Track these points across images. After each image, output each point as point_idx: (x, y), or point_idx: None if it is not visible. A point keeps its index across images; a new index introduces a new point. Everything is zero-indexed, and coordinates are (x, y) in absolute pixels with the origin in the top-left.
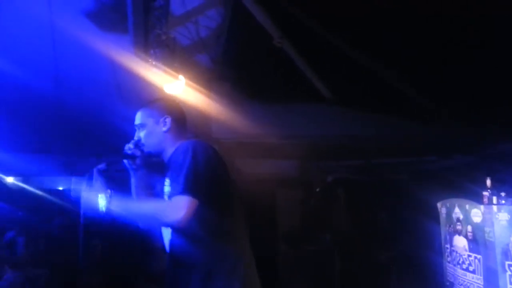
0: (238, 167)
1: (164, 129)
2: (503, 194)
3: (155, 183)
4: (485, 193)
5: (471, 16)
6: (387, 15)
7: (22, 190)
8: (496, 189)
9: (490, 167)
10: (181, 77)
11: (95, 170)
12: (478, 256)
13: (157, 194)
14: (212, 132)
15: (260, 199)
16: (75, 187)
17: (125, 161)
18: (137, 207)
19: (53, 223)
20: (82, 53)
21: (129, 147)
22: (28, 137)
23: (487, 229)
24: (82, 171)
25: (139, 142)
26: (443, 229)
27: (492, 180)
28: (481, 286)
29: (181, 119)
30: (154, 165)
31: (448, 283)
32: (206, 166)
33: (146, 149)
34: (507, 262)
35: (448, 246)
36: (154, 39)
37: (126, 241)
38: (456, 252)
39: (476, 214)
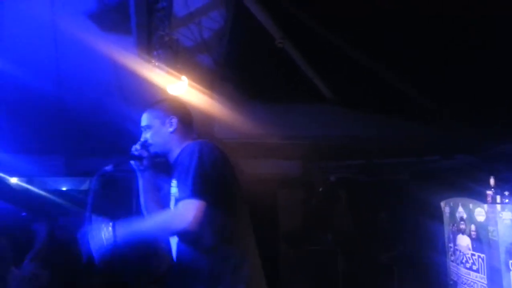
0: (240, 167)
1: (171, 129)
2: (506, 193)
3: (162, 184)
4: (489, 192)
5: (472, 17)
6: (388, 16)
7: (25, 190)
8: (499, 188)
9: (493, 167)
10: (183, 78)
11: (98, 175)
12: (482, 255)
13: (163, 195)
14: (215, 132)
15: (261, 199)
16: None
17: (132, 162)
18: (143, 227)
19: (56, 223)
20: (84, 54)
21: (135, 148)
22: (29, 137)
23: (490, 228)
24: (84, 172)
25: (146, 143)
26: (447, 228)
27: (495, 179)
28: (485, 285)
29: (187, 119)
30: (160, 166)
31: (451, 282)
32: (213, 168)
33: (152, 150)
34: (510, 261)
35: (451, 245)
36: (157, 40)
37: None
38: (460, 251)
39: (480, 213)
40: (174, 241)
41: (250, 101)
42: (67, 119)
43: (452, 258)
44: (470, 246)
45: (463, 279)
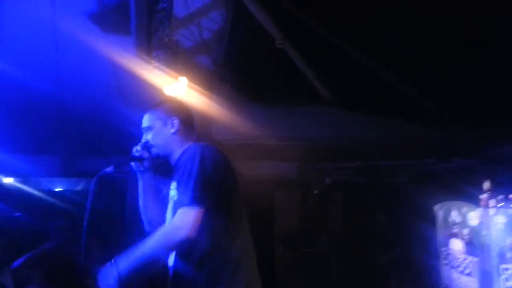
0: (238, 168)
1: (172, 131)
2: (500, 197)
3: (162, 185)
4: (482, 196)
5: (472, 17)
6: (388, 16)
7: (21, 191)
8: (494, 192)
9: (487, 170)
10: (183, 79)
11: (98, 176)
12: (475, 259)
13: (162, 197)
14: (213, 133)
15: (258, 200)
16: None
17: (132, 163)
18: (144, 250)
19: (52, 224)
20: (84, 54)
21: (136, 149)
22: (29, 138)
23: (484, 232)
24: (81, 172)
25: (147, 144)
26: (440, 232)
27: (491, 183)
28: None
29: (188, 120)
30: (160, 168)
31: (443, 286)
32: (214, 172)
33: (154, 152)
34: (502, 266)
35: (444, 249)
36: (156, 41)
37: (123, 241)
38: (453, 255)
39: (473, 217)
40: None
41: (249, 102)
42: (66, 119)
43: (445, 262)
44: (463, 250)
45: (455, 283)
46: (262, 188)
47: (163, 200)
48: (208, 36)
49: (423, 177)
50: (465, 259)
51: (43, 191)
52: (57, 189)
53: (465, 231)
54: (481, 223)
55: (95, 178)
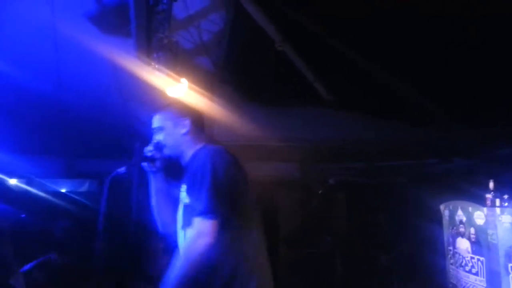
0: None
1: (183, 131)
2: (506, 196)
3: (173, 186)
4: (488, 196)
5: (472, 17)
6: (388, 16)
7: (25, 192)
8: (499, 191)
9: (493, 170)
10: (183, 81)
11: (111, 176)
12: (481, 258)
13: (173, 198)
14: (214, 135)
15: (260, 201)
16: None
17: (144, 164)
18: (177, 274)
19: (56, 225)
20: (84, 56)
21: (148, 149)
22: (30, 139)
23: (490, 231)
24: (84, 173)
25: (159, 144)
26: (446, 232)
27: (495, 183)
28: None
29: (199, 121)
30: (171, 168)
31: (451, 285)
32: (226, 177)
33: (165, 152)
34: (510, 264)
35: (451, 248)
36: (156, 42)
37: (125, 242)
38: (459, 254)
39: (479, 216)
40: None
41: (249, 104)
42: (67, 121)
43: (452, 261)
44: (469, 249)
45: (463, 282)
46: (263, 189)
47: (174, 201)
48: (208, 38)
49: (424, 177)
50: (471, 258)
51: (47, 192)
52: (61, 190)
53: (471, 230)
54: (487, 222)
55: (107, 179)
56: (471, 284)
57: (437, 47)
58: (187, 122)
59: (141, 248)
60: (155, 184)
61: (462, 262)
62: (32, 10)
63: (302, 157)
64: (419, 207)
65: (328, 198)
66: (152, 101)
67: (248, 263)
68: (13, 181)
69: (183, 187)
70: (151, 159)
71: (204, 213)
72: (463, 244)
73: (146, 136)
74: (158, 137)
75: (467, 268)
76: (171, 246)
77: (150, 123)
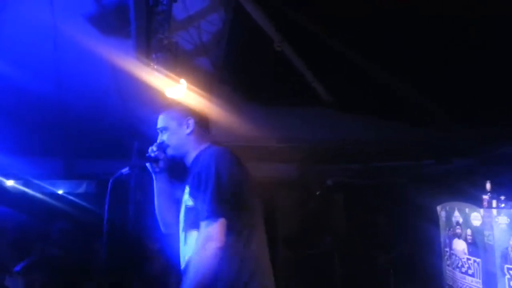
0: None
1: (187, 131)
2: (502, 197)
3: (176, 187)
4: (485, 197)
5: (472, 17)
6: (388, 16)
7: (22, 193)
8: (495, 192)
9: (490, 171)
10: (182, 81)
11: (115, 177)
12: (478, 260)
13: (176, 199)
14: (212, 135)
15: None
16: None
17: (147, 164)
18: (193, 282)
19: (53, 226)
20: (84, 56)
21: (152, 149)
22: (28, 139)
23: (486, 232)
24: (83, 174)
25: (163, 144)
26: (443, 233)
27: (491, 184)
28: None
29: (203, 121)
30: (175, 169)
31: (447, 286)
32: (231, 179)
33: (169, 152)
34: (506, 266)
35: (447, 249)
36: (156, 43)
37: (123, 245)
38: (456, 256)
39: (476, 217)
40: (183, 250)
41: (248, 104)
42: (66, 121)
43: (448, 262)
44: (466, 250)
45: (459, 284)
46: (263, 189)
47: (177, 202)
48: (207, 38)
49: (423, 178)
50: (468, 260)
51: (45, 193)
52: (58, 192)
53: (468, 232)
54: (483, 224)
55: (111, 180)
56: (467, 286)
57: (437, 47)
58: (191, 122)
59: (138, 248)
60: (158, 185)
61: (458, 263)
62: (32, 11)
63: (301, 157)
64: (418, 207)
65: (327, 199)
66: (151, 102)
67: (251, 264)
68: (10, 183)
69: (186, 189)
70: (155, 160)
71: (210, 216)
72: (459, 245)
73: (145, 136)
74: (162, 137)
75: (464, 270)
76: (166, 247)
77: (152, 123)
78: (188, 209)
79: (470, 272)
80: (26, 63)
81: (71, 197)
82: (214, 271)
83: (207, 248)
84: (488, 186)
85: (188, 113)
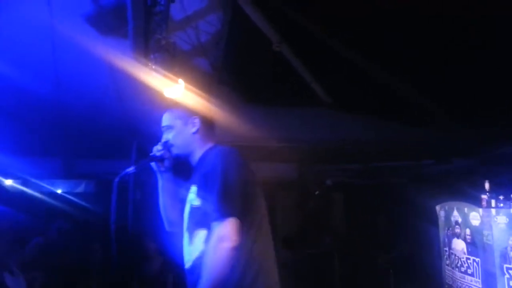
0: None
1: (193, 130)
2: (501, 197)
3: (181, 186)
4: (484, 197)
5: (472, 17)
6: (388, 16)
7: (21, 192)
8: (494, 192)
9: (489, 171)
10: (180, 81)
11: (120, 176)
12: (477, 259)
13: (181, 199)
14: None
15: None
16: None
17: (152, 163)
18: (209, 283)
19: (52, 226)
20: (82, 56)
21: (157, 149)
22: (27, 139)
23: (485, 232)
24: (81, 174)
25: (168, 143)
26: (442, 232)
27: (491, 184)
28: None
29: (209, 120)
30: (179, 168)
31: (446, 286)
32: (239, 179)
33: (174, 151)
34: (505, 265)
35: (446, 249)
36: (154, 43)
37: (122, 245)
38: (455, 255)
39: (475, 217)
40: (188, 249)
41: (247, 105)
42: (65, 122)
43: (447, 262)
44: (465, 250)
45: (458, 283)
46: (262, 189)
47: (182, 201)
48: (206, 39)
49: (423, 178)
50: (467, 259)
51: (44, 193)
52: (57, 191)
53: (467, 231)
54: (482, 223)
55: (116, 179)
56: (466, 285)
57: (437, 47)
58: (197, 121)
59: (138, 248)
60: (163, 183)
61: (457, 263)
62: (30, 11)
63: (300, 157)
64: (418, 207)
65: (327, 199)
66: (149, 102)
67: (256, 264)
68: (8, 182)
69: (193, 188)
70: (160, 159)
71: (221, 216)
72: (458, 245)
73: (143, 136)
74: (167, 136)
75: (463, 269)
76: (166, 247)
77: (150, 123)
78: (194, 209)
79: (469, 271)
80: (25, 63)
81: (70, 197)
82: (227, 272)
83: (220, 248)
84: (487, 186)
85: (193, 112)
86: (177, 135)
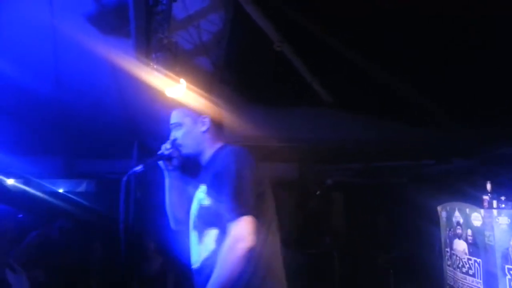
0: None
1: (203, 129)
2: (503, 198)
3: (188, 184)
4: (485, 197)
5: (472, 17)
6: (388, 16)
7: (23, 192)
8: (496, 193)
9: (490, 171)
10: (182, 81)
11: (128, 175)
12: (478, 260)
13: (189, 196)
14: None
15: None
16: None
17: (161, 162)
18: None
19: (53, 225)
20: (83, 56)
21: (165, 147)
22: (28, 139)
23: (487, 233)
24: (82, 173)
25: (176, 141)
26: (443, 233)
27: (492, 184)
28: None
29: (219, 119)
30: (187, 166)
31: (448, 287)
32: (251, 179)
33: (183, 150)
34: (507, 266)
35: (448, 249)
36: (155, 43)
37: (122, 244)
38: (456, 256)
39: (476, 218)
40: (197, 249)
41: (248, 104)
42: (66, 121)
43: (449, 262)
44: (466, 250)
45: (460, 284)
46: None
47: (189, 199)
48: (208, 38)
49: (424, 178)
50: (468, 260)
51: (45, 192)
52: (59, 190)
53: (469, 232)
54: (484, 224)
55: (124, 178)
56: (468, 286)
57: (437, 47)
58: (207, 120)
59: (138, 248)
60: (170, 182)
61: (459, 263)
62: (31, 10)
63: (300, 157)
64: (418, 207)
65: (327, 199)
66: (151, 101)
67: (264, 264)
68: (10, 181)
69: (202, 187)
70: (168, 158)
71: (237, 216)
72: (460, 246)
73: (144, 135)
74: (176, 134)
75: (464, 270)
76: (164, 246)
77: (150, 123)
78: (203, 208)
79: (471, 272)
80: (26, 62)
81: (71, 196)
82: (239, 273)
83: (237, 249)
84: (488, 186)
85: (203, 111)
86: (186, 134)
